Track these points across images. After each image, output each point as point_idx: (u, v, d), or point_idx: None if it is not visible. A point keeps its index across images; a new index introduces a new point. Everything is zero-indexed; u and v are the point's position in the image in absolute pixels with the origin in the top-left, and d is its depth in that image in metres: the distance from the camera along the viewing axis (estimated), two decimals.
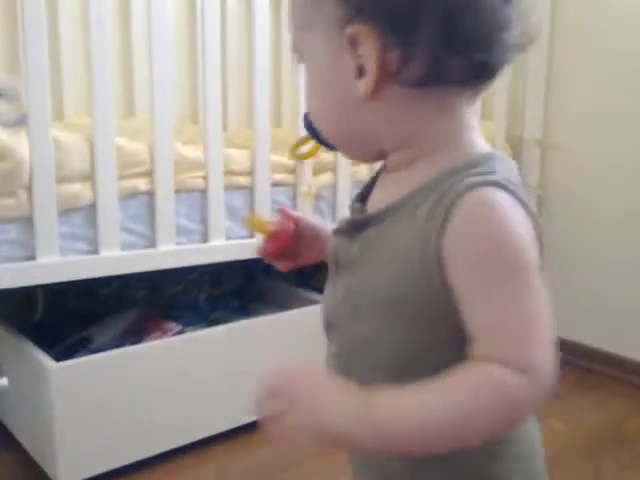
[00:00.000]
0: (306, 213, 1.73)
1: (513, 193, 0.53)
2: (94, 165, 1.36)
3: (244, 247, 1.62)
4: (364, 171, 1.86)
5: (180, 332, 1.60)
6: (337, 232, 0.64)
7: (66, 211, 1.35)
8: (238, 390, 1.52)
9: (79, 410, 1.34)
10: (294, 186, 1.72)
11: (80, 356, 1.45)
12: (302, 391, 0.54)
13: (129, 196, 1.44)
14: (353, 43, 0.54)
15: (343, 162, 1.79)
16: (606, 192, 2.11)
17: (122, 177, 1.42)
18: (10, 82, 1.75)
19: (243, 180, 1.63)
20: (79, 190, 1.35)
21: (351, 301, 0.60)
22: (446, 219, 0.51)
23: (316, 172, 1.75)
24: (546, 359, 0.51)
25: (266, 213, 1.65)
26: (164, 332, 1.61)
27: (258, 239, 0.95)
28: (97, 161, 1.36)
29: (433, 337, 0.54)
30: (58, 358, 1.35)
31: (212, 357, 1.54)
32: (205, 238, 1.57)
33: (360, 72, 0.54)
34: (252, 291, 2.02)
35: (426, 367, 0.53)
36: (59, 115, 1.92)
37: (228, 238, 1.61)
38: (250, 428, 1.59)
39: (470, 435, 0.51)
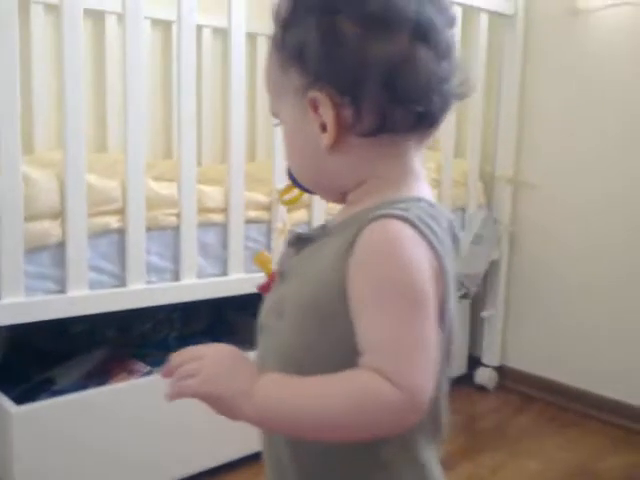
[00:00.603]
0: (279, 250, 1.72)
1: (417, 227, 0.59)
2: (64, 203, 1.33)
3: (216, 285, 1.60)
4: (339, 207, 1.85)
5: (148, 373, 1.56)
6: (287, 245, 0.72)
7: (33, 249, 1.31)
8: (209, 431, 1.48)
9: (40, 455, 1.30)
10: (268, 223, 1.71)
11: (43, 398, 1.41)
12: (208, 360, 0.63)
13: (99, 234, 1.41)
14: (314, 105, 0.63)
15: (317, 199, 1.78)
16: (577, 228, 2.14)
17: (92, 214, 1.39)
18: None
19: (216, 217, 1.62)
20: (48, 228, 1.32)
21: (279, 306, 0.68)
22: (354, 243, 0.59)
23: (290, 209, 1.74)
24: (424, 384, 0.56)
25: (239, 250, 1.64)
26: (131, 373, 1.57)
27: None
28: (67, 199, 1.33)
29: (340, 341, 0.60)
30: (19, 400, 1.31)
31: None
32: (176, 276, 1.55)
33: (323, 128, 0.63)
34: (223, 328, 1.99)
35: (330, 366, 0.59)
36: (29, 149, 1.89)
37: (200, 276, 1.58)
38: (226, 469, 1.56)
39: (330, 429, 0.57)
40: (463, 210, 2.22)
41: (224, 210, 1.62)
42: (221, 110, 2.29)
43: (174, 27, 2.19)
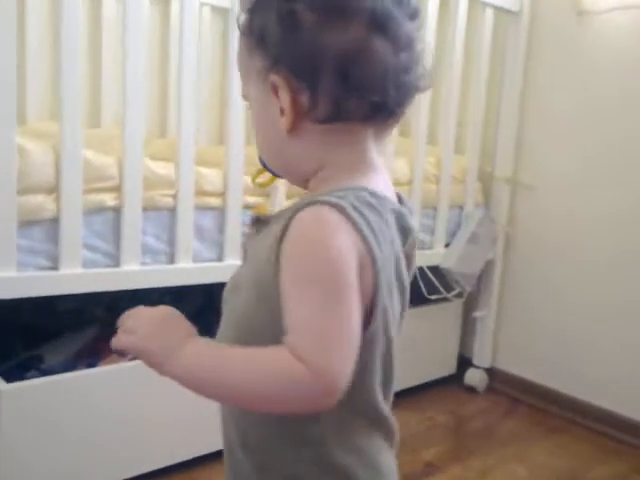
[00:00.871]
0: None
1: (346, 214, 0.60)
2: (59, 177, 1.29)
3: (211, 270, 1.56)
4: None
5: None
6: (249, 226, 0.75)
7: (26, 224, 1.27)
8: (197, 419, 1.44)
9: (28, 434, 1.25)
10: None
11: (30, 376, 1.36)
12: (145, 318, 0.68)
13: (94, 211, 1.37)
14: (274, 89, 0.65)
15: None
16: (572, 233, 2.13)
17: (88, 191, 1.35)
18: None
19: (214, 200, 1.58)
20: (42, 202, 1.28)
21: (237, 283, 0.71)
22: (286, 228, 0.61)
23: (289, 196, 1.71)
24: (336, 368, 0.57)
25: (236, 236, 1.60)
26: (121, 355, 1.52)
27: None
28: (63, 173, 1.29)
29: (277, 320, 0.61)
30: (7, 377, 1.27)
31: (170, 383, 1.46)
32: (171, 259, 1.51)
33: (282, 112, 0.65)
34: (214, 313, 1.95)
35: (264, 339, 0.61)
36: (21, 119, 1.83)
37: (195, 260, 1.55)
38: (212, 458, 1.53)
39: (244, 397, 0.60)
40: (461, 208, 2.20)
41: (222, 194, 1.58)
42: (219, 91, 2.25)
43: (173, 3, 2.17)
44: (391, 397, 0.73)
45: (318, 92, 0.63)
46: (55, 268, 1.31)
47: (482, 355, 2.33)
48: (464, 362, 2.37)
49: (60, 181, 1.29)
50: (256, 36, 0.66)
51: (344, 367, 0.58)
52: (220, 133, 2.31)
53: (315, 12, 0.63)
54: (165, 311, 0.70)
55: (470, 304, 2.33)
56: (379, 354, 0.67)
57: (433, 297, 2.12)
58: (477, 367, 2.33)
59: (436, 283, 2.10)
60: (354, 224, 0.60)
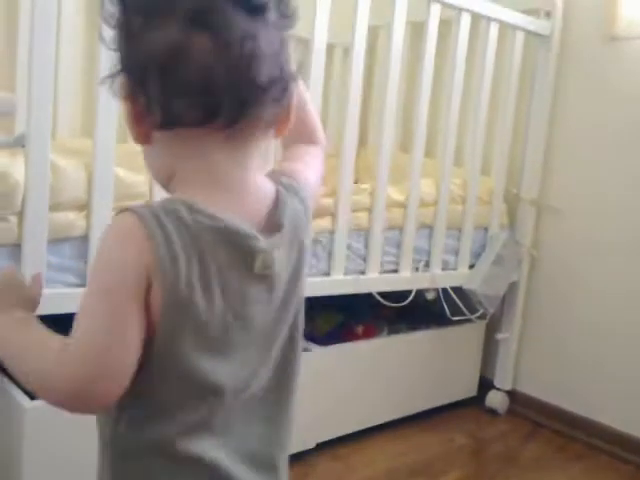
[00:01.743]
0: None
1: (146, 222, 0.59)
2: (91, 194, 1.30)
3: None
4: (363, 218, 1.83)
5: None
6: None
7: (56, 240, 1.27)
8: None
9: (51, 453, 1.26)
10: None
11: None
12: None
13: None
14: (120, 97, 0.64)
15: (342, 208, 1.75)
16: (597, 259, 2.10)
17: (118, 209, 1.35)
18: (6, 99, 1.68)
19: None
20: (73, 219, 1.29)
21: None
22: None
23: (314, 217, 1.70)
24: (91, 378, 0.59)
25: None
26: None
27: None
28: (94, 190, 1.30)
29: None
30: (31, 395, 1.27)
31: None
32: None
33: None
34: None
35: None
36: (51, 134, 1.85)
37: None
38: None
39: (23, 377, 0.65)
40: (486, 229, 2.19)
41: None
42: None
43: None
44: (219, 437, 0.67)
45: (150, 97, 0.61)
46: (83, 285, 1.31)
47: (504, 377, 2.31)
48: (485, 384, 2.34)
49: (91, 198, 1.30)
50: (108, 44, 0.65)
51: (101, 378, 0.60)
52: None
53: (140, 14, 0.61)
54: (5, 277, 0.77)
55: (493, 326, 2.31)
56: (173, 375, 0.64)
57: (456, 318, 2.10)
58: (498, 389, 2.31)
59: (459, 304, 2.08)
60: (149, 235, 0.59)
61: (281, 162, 0.81)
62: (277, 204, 0.68)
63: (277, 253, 0.66)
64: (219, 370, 0.65)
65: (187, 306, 0.62)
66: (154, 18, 0.60)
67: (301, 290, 0.73)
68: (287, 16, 0.66)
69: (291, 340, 0.73)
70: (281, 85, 0.65)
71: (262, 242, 0.65)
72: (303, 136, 0.85)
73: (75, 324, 0.61)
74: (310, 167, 0.81)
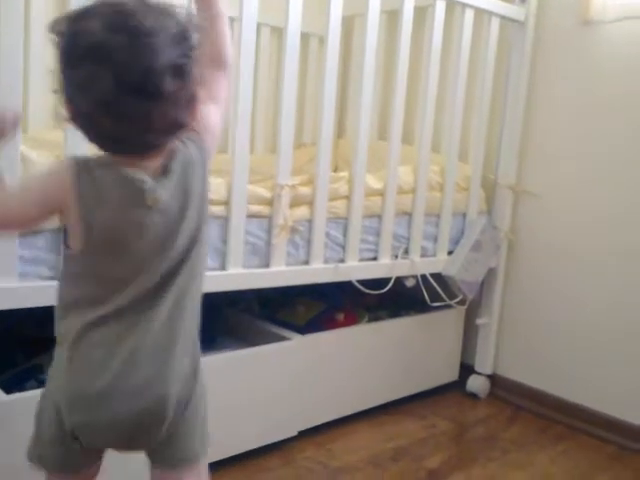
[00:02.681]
0: (280, 246, 1.68)
1: (77, 167, 0.88)
2: None
3: (212, 280, 1.55)
4: (342, 206, 1.83)
5: None
6: None
7: (29, 233, 1.26)
8: None
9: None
10: (269, 218, 1.67)
11: (30, 387, 1.35)
12: None
13: None
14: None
15: (320, 196, 1.75)
16: (576, 240, 2.12)
17: None
18: None
19: (217, 210, 1.57)
20: None
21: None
22: None
23: (292, 205, 1.70)
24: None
25: (239, 245, 1.60)
26: None
27: None
28: None
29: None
30: (6, 387, 1.26)
31: None
32: None
33: None
34: (215, 324, 1.95)
35: None
36: (23, 127, 1.83)
37: None
38: None
39: None
40: (464, 216, 2.20)
41: (225, 203, 1.58)
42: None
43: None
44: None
45: (66, 103, 0.87)
46: (56, 278, 1.30)
47: (484, 362, 2.33)
48: (466, 369, 2.36)
49: None
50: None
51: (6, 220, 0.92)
52: (223, 141, 2.31)
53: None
54: None
55: (473, 311, 2.32)
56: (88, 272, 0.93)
57: (435, 304, 2.11)
58: (479, 374, 2.33)
59: (439, 290, 2.09)
60: (77, 174, 0.87)
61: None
62: (171, 156, 0.92)
63: (162, 191, 0.90)
64: (120, 269, 0.92)
65: (94, 219, 0.88)
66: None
67: (194, 216, 0.95)
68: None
69: (188, 252, 0.95)
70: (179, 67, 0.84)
71: (149, 184, 0.88)
72: (212, 57, 1.03)
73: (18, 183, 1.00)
74: (215, 100, 1.03)
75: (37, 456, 1.01)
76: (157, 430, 0.96)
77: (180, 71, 0.83)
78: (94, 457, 1.03)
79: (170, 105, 0.84)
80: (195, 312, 1.01)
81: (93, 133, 0.87)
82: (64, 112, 0.86)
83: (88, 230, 0.88)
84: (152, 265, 0.92)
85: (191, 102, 0.89)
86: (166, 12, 0.84)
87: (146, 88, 0.81)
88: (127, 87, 0.80)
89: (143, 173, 0.89)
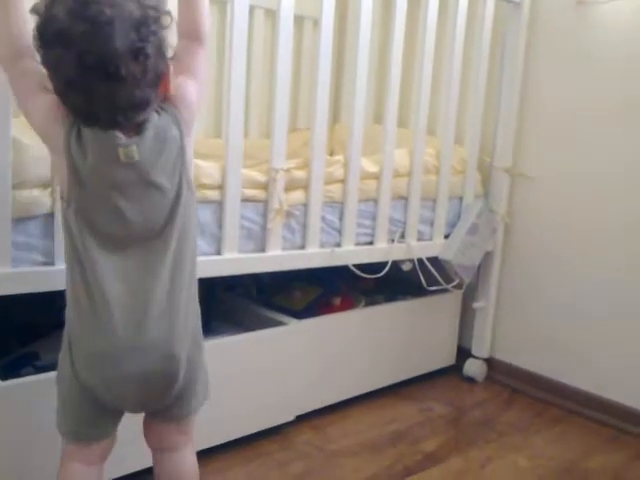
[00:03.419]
0: (276, 230, 1.67)
1: (69, 119, 1.00)
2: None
3: (208, 265, 1.54)
4: (337, 190, 1.81)
5: None
6: None
7: (21, 219, 1.25)
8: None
9: (23, 432, 1.25)
10: (265, 202, 1.66)
11: (25, 373, 1.35)
12: None
13: None
14: None
15: (315, 180, 1.74)
16: (573, 222, 2.12)
17: None
18: None
19: (212, 194, 1.56)
20: (37, 197, 1.26)
21: None
22: None
23: (288, 189, 1.69)
24: None
25: (235, 230, 1.59)
26: None
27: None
28: None
29: None
30: (1, 374, 1.26)
31: None
32: None
33: None
34: (212, 308, 1.94)
35: None
36: (13, 112, 1.81)
37: None
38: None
39: None
40: (460, 199, 2.19)
41: (220, 187, 1.56)
42: (215, 83, 2.23)
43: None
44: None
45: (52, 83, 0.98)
46: (51, 264, 1.29)
47: (481, 346, 2.33)
48: (463, 353, 2.36)
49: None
50: None
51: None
52: (217, 126, 2.29)
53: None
54: None
55: (469, 295, 2.32)
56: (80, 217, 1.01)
57: (432, 288, 2.11)
58: (476, 357, 2.33)
59: (435, 274, 2.09)
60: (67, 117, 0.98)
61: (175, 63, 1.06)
62: (146, 119, 0.99)
63: (135, 148, 0.97)
64: (111, 225, 1.01)
65: (80, 170, 0.98)
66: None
67: (171, 179, 1.04)
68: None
69: (172, 213, 1.04)
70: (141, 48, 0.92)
71: (122, 140, 0.97)
72: (188, 31, 1.11)
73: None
74: (191, 74, 1.09)
75: (58, 423, 1.09)
76: (169, 389, 1.07)
77: (139, 54, 0.92)
78: (110, 424, 1.11)
79: (133, 85, 0.93)
80: (193, 274, 1.10)
81: (69, 107, 0.97)
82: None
83: (76, 180, 0.99)
84: (138, 222, 1.01)
85: (157, 80, 0.98)
86: None
87: (106, 70, 0.90)
88: (89, 70, 0.90)
89: (118, 132, 0.97)
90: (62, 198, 1.03)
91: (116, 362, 1.01)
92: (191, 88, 1.09)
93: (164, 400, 1.08)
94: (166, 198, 1.03)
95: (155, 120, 1.01)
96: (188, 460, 1.18)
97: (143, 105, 0.97)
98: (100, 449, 1.10)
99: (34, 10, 0.93)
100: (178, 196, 1.05)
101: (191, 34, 1.11)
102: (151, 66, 0.95)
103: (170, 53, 1.02)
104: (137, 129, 0.99)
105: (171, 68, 1.03)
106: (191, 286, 1.09)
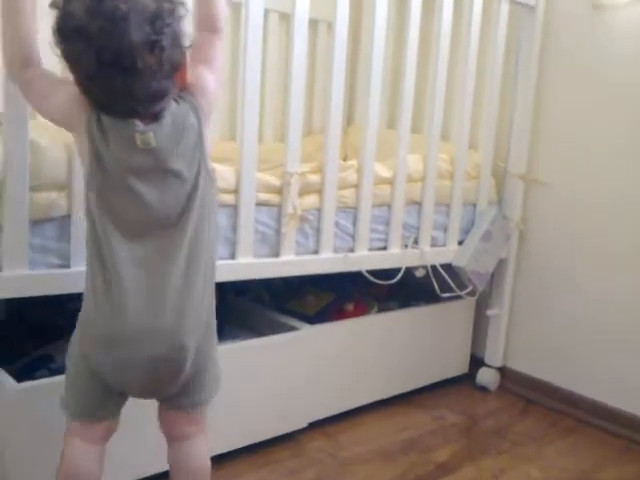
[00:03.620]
0: (290, 235, 1.66)
1: (89, 107, 1.04)
2: (71, 174, 1.27)
3: (222, 269, 1.53)
4: (350, 195, 1.80)
5: None
6: None
7: (38, 221, 1.24)
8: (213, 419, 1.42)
9: (39, 434, 1.24)
10: (279, 207, 1.65)
11: (40, 376, 1.34)
12: None
13: None
14: None
15: (329, 185, 1.73)
16: (588, 229, 2.09)
17: None
18: None
19: (226, 198, 1.55)
20: (54, 199, 1.25)
21: None
22: None
23: (302, 194, 1.68)
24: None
25: (249, 234, 1.58)
26: None
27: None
28: (74, 170, 1.26)
29: None
30: (17, 376, 1.25)
31: None
32: None
33: None
34: (224, 313, 1.93)
35: None
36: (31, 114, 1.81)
37: None
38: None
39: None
40: (474, 206, 2.17)
41: (234, 191, 1.56)
42: (230, 86, 2.22)
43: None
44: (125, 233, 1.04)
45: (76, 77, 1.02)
46: (67, 266, 1.28)
47: (494, 354, 2.31)
48: (476, 361, 2.34)
49: (72, 178, 1.27)
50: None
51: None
52: (231, 129, 2.29)
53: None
54: None
55: (483, 302, 2.30)
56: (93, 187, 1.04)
57: (445, 295, 2.09)
58: (489, 366, 2.31)
59: (449, 281, 2.07)
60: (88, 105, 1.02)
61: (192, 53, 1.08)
62: (164, 108, 1.02)
63: (152, 134, 1.00)
64: (130, 210, 1.03)
65: (98, 152, 1.02)
66: None
67: (188, 166, 1.06)
68: None
69: (189, 201, 1.06)
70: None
71: (140, 127, 1.00)
72: (204, 21, 1.14)
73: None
74: (207, 63, 1.12)
75: (64, 400, 1.11)
76: (175, 377, 1.07)
77: (155, 46, 0.95)
78: (114, 406, 1.12)
79: (149, 77, 0.96)
80: (210, 264, 1.11)
81: (90, 97, 1.00)
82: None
83: (99, 166, 1.01)
84: (156, 209, 1.03)
85: (174, 71, 1.01)
86: None
87: (123, 64, 0.93)
88: (107, 65, 0.93)
89: (136, 120, 1.00)
90: (85, 182, 1.06)
91: (126, 345, 1.03)
92: (210, 78, 1.12)
93: (170, 388, 1.10)
94: (184, 186, 1.05)
95: (173, 108, 1.04)
96: (198, 450, 1.19)
97: (160, 95, 1.00)
98: (102, 429, 1.12)
99: (53, 5, 0.96)
100: (196, 184, 1.06)
101: (208, 26, 1.14)
102: (167, 57, 0.97)
103: (187, 42, 1.03)
104: (155, 117, 1.02)
105: (188, 58, 1.05)
106: (207, 276, 1.10)
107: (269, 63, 2.33)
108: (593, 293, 2.09)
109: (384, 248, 1.93)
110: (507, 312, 2.29)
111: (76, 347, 1.10)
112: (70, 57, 0.97)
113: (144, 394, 1.12)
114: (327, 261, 1.77)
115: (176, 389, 1.11)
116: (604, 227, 2.05)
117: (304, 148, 1.71)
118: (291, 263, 1.69)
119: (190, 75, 1.07)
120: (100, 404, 1.10)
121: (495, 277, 2.26)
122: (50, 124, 1.55)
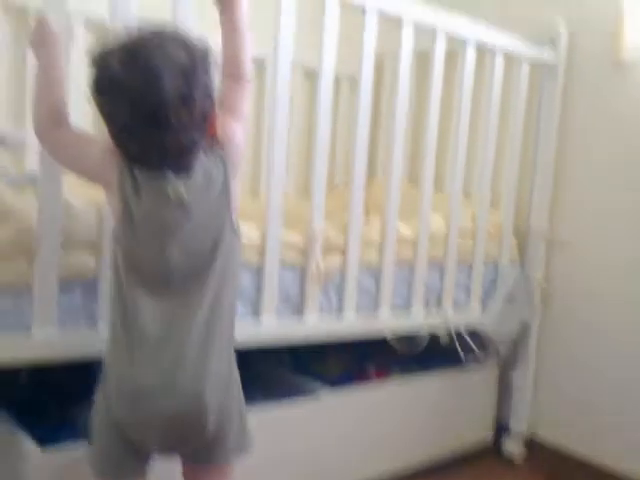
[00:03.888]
0: (314, 296, 1.64)
1: (121, 161, 1.06)
2: (102, 235, 1.27)
3: (244, 329, 1.50)
4: (374, 255, 1.80)
5: None
6: None
7: (67, 281, 1.24)
8: None
9: None
10: (301, 267, 1.63)
11: (66, 438, 1.31)
12: None
13: None
14: None
15: (353, 245, 1.72)
16: (614, 289, 2.06)
17: None
18: (15, 133, 1.67)
19: (249, 256, 1.53)
20: (84, 260, 1.26)
21: None
22: None
23: (325, 253, 1.67)
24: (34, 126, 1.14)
25: (274, 296, 1.56)
26: None
27: None
28: (104, 231, 1.27)
29: None
30: (42, 440, 1.23)
31: None
32: None
33: None
34: (249, 374, 1.90)
35: None
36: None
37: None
38: None
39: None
40: (495, 265, 2.15)
41: (257, 248, 1.54)
42: (254, 143, 2.24)
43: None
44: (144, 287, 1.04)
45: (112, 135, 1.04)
46: (94, 327, 1.28)
47: (519, 422, 2.23)
48: (501, 429, 2.26)
49: (103, 239, 1.27)
50: None
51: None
52: (253, 184, 2.30)
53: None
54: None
55: (507, 367, 2.24)
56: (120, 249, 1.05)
57: (467, 357, 2.05)
58: (514, 436, 2.23)
59: (472, 346, 2.02)
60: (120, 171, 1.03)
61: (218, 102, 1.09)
62: (195, 162, 1.04)
63: (184, 188, 1.01)
64: (155, 262, 1.03)
65: (129, 206, 1.02)
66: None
67: (214, 219, 1.07)
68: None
69: (213, 252, 1.06)
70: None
71: (172, 179, 1.01)
72: (233, 66, 1.16)
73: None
74: (234, 114, 1.14)
75: (90, 459, 1.09)
76: (196, 434, 1.05)
77: (188, 99, 0.97)
78: (139, 465, 1.10)
79: (181, 130, 0.98)
80: (230, 319, 1.11)
81: (123, 149, 1.01)
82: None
83: (129, 222, 1.02)
84: (181, 262, 1.03)
85: (204, 121, 1.02)
86: (178, 43, 0.98)
87: (157, 119, 0.96)
88: (141, 118, 0.96)
89: (168, 171, 1.02)
90: (113, 237, 1.07)
91: (146, 400, 1.01)
92: (238, 130, 1.14)
93: (190, 444, 1.07)
94: (209, 239, 1.06)
95: (203, 161, 1.06)
96: None
97: (190, 147, 1.02)
98: None
99: (90, 60, 0.99)
100: (220, 238, 1.07)
101: (235, 75, 1.16)
102: (198, 109, 0.99)
103: (215, 91, 1.05)
104: (186, 169, 1.03)
105: (215, 107, 1.06)
106: (225, 331, 1.09)
107: (293, 119, 2.35)
108: (625, 355, 2.01)
109: (406, 309, 1.90)
110: (532, 376, 2.22)
111: (99, 401, 1.09)
112: (105, 110, 0.99)
113: (165, 450, 1.10)
114: (351, 327, 1.74)
115: (197, 445, 1.08)
116: (630, 286, 2.01)
117: (327, 205, 1.69)
118: (315, 327, 1.66)
119: (218, 124, 1.08)
120: (122, 463, 1.08)
121: (519, 340, 2.21)
122: (77, 183, 1.56)
